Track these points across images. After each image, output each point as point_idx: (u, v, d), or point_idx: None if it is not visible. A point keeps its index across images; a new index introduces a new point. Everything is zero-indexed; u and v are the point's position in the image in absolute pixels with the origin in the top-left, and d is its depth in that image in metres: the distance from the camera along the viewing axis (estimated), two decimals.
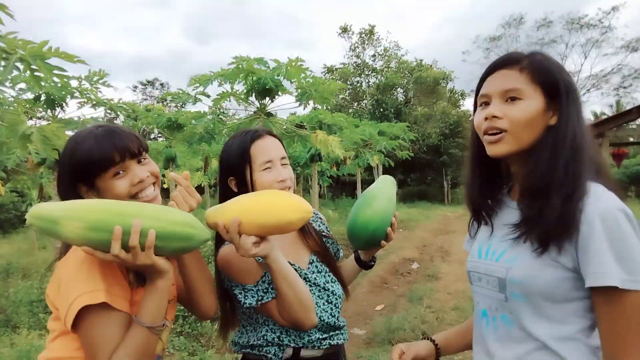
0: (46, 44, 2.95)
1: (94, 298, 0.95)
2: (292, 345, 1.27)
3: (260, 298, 1.23)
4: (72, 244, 0.96)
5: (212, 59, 74.04)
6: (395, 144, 13.43)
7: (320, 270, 1.36)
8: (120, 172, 1.10)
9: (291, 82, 6.67)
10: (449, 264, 7.79)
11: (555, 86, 0.97)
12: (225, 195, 1.29)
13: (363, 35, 30.30)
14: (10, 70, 2.83)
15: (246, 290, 1.25)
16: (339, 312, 1.35)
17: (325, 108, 8.80)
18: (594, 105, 45.78)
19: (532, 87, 0.97)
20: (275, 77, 6.41)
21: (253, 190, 1.25)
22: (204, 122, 6.61)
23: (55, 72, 3.07)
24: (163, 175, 12.20)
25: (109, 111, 5.71)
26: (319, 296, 1.31)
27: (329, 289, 1.34)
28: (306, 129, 8.31)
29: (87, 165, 1.07)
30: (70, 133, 4.73)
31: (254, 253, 1.08)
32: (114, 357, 0.95)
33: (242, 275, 1.25)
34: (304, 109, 7.12)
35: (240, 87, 6.74)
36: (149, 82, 39.28)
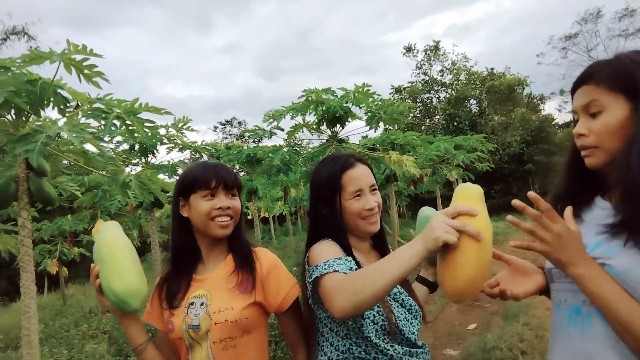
0: (137, 101, 3.31)
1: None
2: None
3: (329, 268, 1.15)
4: None
5: (282, 94, 77.13)
6: (473, 157, 12.98)
7: (397, 291, 1.31)
8: (209, 195, 1.34)
9: (360, 108, 6.79)
10: None
11: (636, 87, 0.95)
12: (315, 218, 1.37)
13: (428, 51, 30.01)
14: (109, 128, 3.21)
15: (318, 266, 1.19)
16: (418, 329, 1.29)
17: (396, 128, 8.81)
18: None
19: (611, 96, 0.97)
20: (344, 104, 6.57)
21: (342, 216, 1.30)
22: (280, 155, 6.90)
23: (146, 124, 3.43)
24: (247, 208, 12.77)
25: (194, 153, 6.16)
26: (399, 311, 1.27)
27: (407, 303, 1.29)
28: (379, 150, 8.35)
29: (189, 183, 1.35)
30: (162, 176, 5.18)
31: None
32: None
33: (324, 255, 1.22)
34: (375, 131, 7.18)
35: (311, 118, 6.99)
36: (227, 121, 41.79)
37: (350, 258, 1.23)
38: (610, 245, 0.96)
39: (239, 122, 41.83)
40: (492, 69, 29.31)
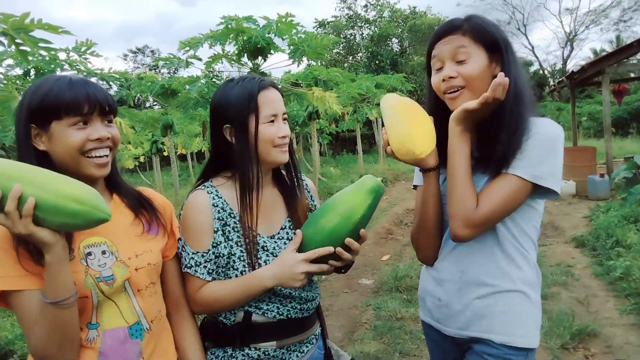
0: (27, 17, 2.88)
1: None
2: (244, 309, 1.22)
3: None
4: None
5: (201, 21, 72.02)
6: None
7: (290, 238, 1.27)
8: (82, 123, 1.03)
9: (283, 40, 6.52)
10: None
11: (495, 42, 1.15)
12: (218, 144, 1.24)
13: None
14: None
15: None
16: None
17: (319, 64, 8.67)
18: (593, 42, 44.71)
19: (475, 46, 1.14)
20: (266, 35, 6.27)
21: (255, 141, 1.18)
22: (198, 87, 6.52)
23: (41, 44, 3.01)
24: (162, 143, 12.17)
25: (101, 81, 5.62)
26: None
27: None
28: (302, 86, 8.20)
29: (51, 104, 1.00)
30: None
31: None
32: (32, 335, 0.96)
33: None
34: (298, 66, 7.00)
35: (231, 48, 6.61)
36: (138, 49, 38.48)
37: (211, 256, 1.19)
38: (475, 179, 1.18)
39: (152, 51, 38.73)
40: (414, 7, 29.46)
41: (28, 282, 0.97)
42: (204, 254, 1.19)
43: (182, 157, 19.90)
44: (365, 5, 29.91)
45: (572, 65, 23.15)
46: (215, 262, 1.20)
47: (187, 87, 6.73)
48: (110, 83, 6.14)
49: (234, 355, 1.23)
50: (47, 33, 3.06)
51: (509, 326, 1.15)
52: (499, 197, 1.09)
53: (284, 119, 1.23)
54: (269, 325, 1.22)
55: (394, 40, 29.18)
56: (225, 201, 1.22)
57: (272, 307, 1.23)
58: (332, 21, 29.54)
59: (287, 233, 1.28)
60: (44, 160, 1.03)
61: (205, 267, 1.20)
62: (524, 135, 1.10)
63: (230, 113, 1.19)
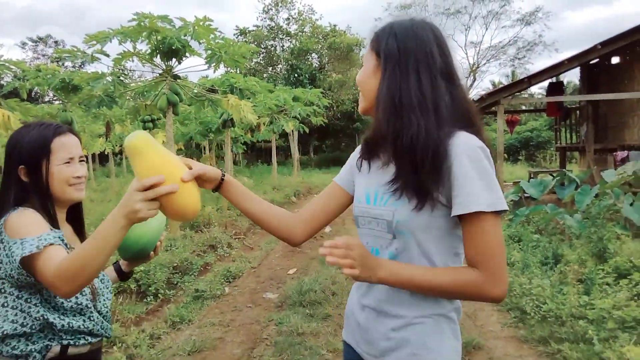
0: None
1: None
2: (61, 342, 1.25)
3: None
4: None
5: (116, 16, 67.83)
6: (310, 110, 13.46)
7: None
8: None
9: (200, 43, 6.35)
10: None
11: (379, 51, 1.12)
12: (10, 184, 1.30)
13: None
14: None
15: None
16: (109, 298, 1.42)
17: (237, 71, 8.54)
18: (493, 75, 49.13)
19: (370, 53, 1.15)
20: (182, 37, 6.07)
21: (47, 181, 1.29)
22: (103, 84, 6.11)
23: None
24: None
25: None
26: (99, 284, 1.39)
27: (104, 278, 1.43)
28: (217, 92, 8.02)
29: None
30: None
31: None
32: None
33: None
34: (214, 72, 6.84)
35: (144, 47, 6.30)
36: (40, 38, 35.26)
37: (60, 231, 1.27)
38: (392, 198, 1.10)
39: (56, 42, 35.69)
40: (335, 25, 30.32)
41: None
42: (49, 233, 1.21)
43: None
44: (288, 18, 30.26)
45: (474, 95, 25.23)
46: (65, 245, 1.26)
47: (91, 83, 6.27)
48: (1, 73, 5.54)
49: None
50: None
51: (424, 358, 1.12)
52: (494, 244, 1.01)
53: (80, 161, 1.36)
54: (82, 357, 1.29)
55: (314, 55, 29.76)
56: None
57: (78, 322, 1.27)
58: (253, 30, 29.46)
59: None
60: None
61: (58, 238, 1.23)
62: (439, 158, 1.02)
63: (23, 156, 1.28)
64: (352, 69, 28.62)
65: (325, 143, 33.03)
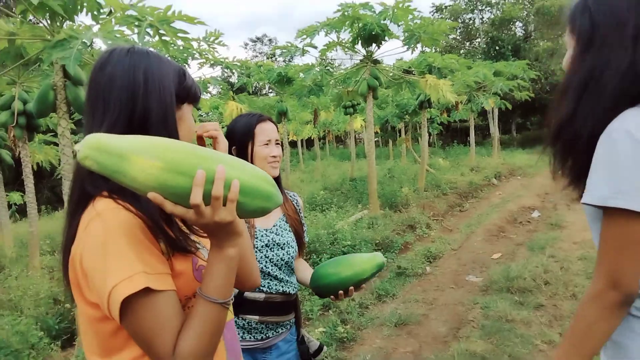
0: (170, 9, 3.20)
1: (134, 286, 0.74)
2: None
3: None
4: (136, 188, 0.73)
5: (318, 9, 73.43)
6: (513, 85, 12.38)
7: (284, 229, 1.63)
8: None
9: (398, 26, 6.43)
10: (575, 212, 7.19)
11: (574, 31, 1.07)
12: None
13: None
14: (142, 37, 3.14)
15: None
16: (286, 266, 1.59)
17: (434, 50, 8.37)
18: None
19: (569, 36, 1.08)
20: (382, 21, 6.23)
21: (252, 159, 1.56)
22: (312, 74, 6.71)
23: (180, 34, 3.34)
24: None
25: (225, 69, 6.05)
26: (265, 254, 1.56)
27: (283, 245, 1.59)
28: (414, 74, 8.02)
29: (191, 88, 0.98)
30: None
31: None
32: (182, 340, 0.78)
33: None
34: (412, 53, 6.84)
35: (346, 36, 6.68)
36: (258, 38, 40.66)
37: None
38: None
39: (270, 40, 40.63)
40: None
41: (169, 281, 0.81)
42: None
43: (293, 144, 20.70)
44: None
45: None
46: None
47: (302, 74, 6.95)
48: (232, 71, 6.58)
49: None
50: (183, 24, 3.38)
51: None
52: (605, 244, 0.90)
53: (276, 144, 1.62)
54: (256, 302, 1.53)
55: (518, 24, 27.09)
56: None
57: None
58: (450, 5, 28.29)
59: (281, 227, 1.63)
60: None
61: None
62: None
63: (235, 138, 1.58)
64: (565, 34, 25.17)
65: (531, 120, 29.95)
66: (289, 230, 1.65)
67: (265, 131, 1.59)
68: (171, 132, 0.89)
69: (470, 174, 11.30)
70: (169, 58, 0.97)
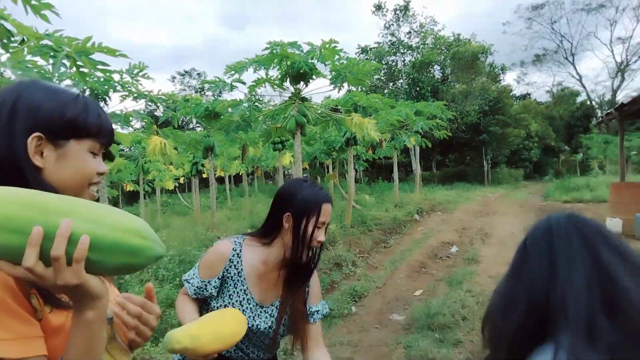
0: (89, 40, 3.04)
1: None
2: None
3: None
4: None
5: (248, 46, 74.48)
6: (432, 124, 13.12)
7: (271, 315, 1.51)
8: (95, 153, 0.89)
9: (325, 65, 6.62)
10: (489, 247, 7.65)
11: None
12: (272, 224, 1.48)
13: (398, 11, 29.60)
14: (58, 68, 2.95)
15: None
16: (254, 349, 1.53)
17: (360, 90, 8.70)
18: None
19: None
20: (309, 60, 6.39)
21: (303, 235, 1.42)
22: (240, 110, 6.68)
23: (99, 67, 3.17)
24: (202, 165, 12.43)
25: (149, 103, 5.84)
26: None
27: (257, 330, 1.49)
28: (341, 112, 8.25)
29: (79, 120, 0.84)
30: (115, 127, 4.88)
31: None
32: None
33: None
34: (338, 92, 7.07)
35: (274, 73, 6.76)
36: (186, 72, 40.07)
37: (202, 284, 1.48)
38: None
39: (199, 74, 40.18)
40: (458, 34, 29.39)
41: (39, 345, 0.72)
42: (202, 281, 1.50)
43: (220, 180, 20.27)
44: (409, 32, 30.08)
45: (623, 97, 22.33)
46: (202, 290, 1.50)
47: (230, 109, 6.90)
48: (158, 104, 6.37)
49: None
50: (104, 56, 3.23)
51: None
52: None
53: (326, 228, 1.49)
54: None
55: (436, 67, 29.10)
56: (240, 261, 1.49)
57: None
58: (374, 47, 29.83)
59: (273, 311, 1.52)
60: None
61: (194, 287, 1.50)
62: None
63: (298, 207, 1.43)
64: (478, 78, 27.34)
65: (449, 157, 31.89)
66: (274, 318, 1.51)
67: (327, 213, 1.47)
68: (24, 175, 0.77)
69: (394, 209, 11.69)
70: (64, 87, 0.88)
